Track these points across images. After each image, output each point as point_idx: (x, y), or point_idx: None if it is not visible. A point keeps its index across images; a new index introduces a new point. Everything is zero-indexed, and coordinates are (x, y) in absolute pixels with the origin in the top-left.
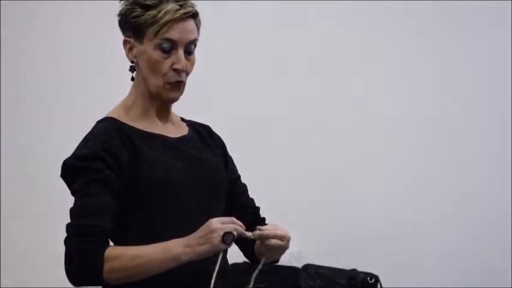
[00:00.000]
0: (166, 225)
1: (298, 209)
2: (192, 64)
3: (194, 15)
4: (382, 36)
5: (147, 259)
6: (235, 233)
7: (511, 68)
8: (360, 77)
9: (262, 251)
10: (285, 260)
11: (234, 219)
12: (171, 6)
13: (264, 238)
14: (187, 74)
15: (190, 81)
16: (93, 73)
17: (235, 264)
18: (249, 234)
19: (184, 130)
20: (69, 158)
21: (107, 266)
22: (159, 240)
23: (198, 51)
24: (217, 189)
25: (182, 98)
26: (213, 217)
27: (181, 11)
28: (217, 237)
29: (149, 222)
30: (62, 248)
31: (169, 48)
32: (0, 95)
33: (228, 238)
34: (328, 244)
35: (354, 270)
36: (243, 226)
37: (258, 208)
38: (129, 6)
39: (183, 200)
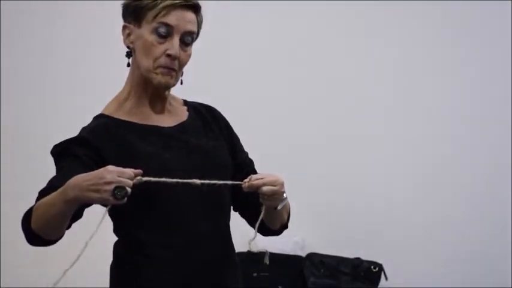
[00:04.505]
0: (168, 216)
1: (302, 199)
2: (187, 56)
3: (195, 8)
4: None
5: (51, 203)
6: (128, 190)
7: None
8: (359, 71)
9: (260, 201)
10: (289, 249)
11: (137, 171)
12: None
13: (254, 188)
14: (181, 64)
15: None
16: (94, 72)
17: (237, 254)
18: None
19: (182, 116)
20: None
21: (32, 217)
22: (163, 230)
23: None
24: (217, 175)
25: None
26: (216, 205)
27: None
28: (108, 190)
29: (151, 215)
30: (62, 248)
31: (165, 33)
32: (0, 94)
33: (119, 194)
34: (332, 233)
35: (358, 258)
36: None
37: None
38: None
39: (180, 192)
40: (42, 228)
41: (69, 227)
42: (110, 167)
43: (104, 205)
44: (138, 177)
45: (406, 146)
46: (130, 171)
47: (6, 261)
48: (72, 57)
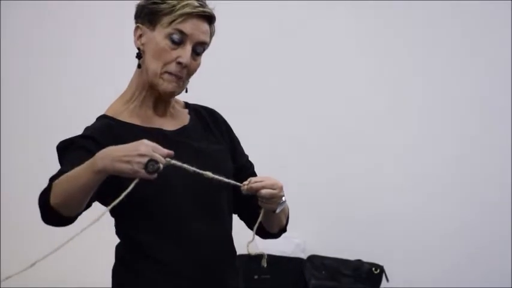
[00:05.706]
0: (168, 217)
1: (303, 201)
2: (197, 65)
3: (210, 20)
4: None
5: (75, 176)
6: (161, 165)
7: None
8: (356, 73)
9: (259, 203)
10: (290, 251)
11: (170, 152)
12: (192, 1)
13: (253, 191)
14: (190, 73)
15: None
16: (95, 72)
17: (238, 256)
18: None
19: (184, 120)
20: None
21: (52, 193)
22: (164, 231)
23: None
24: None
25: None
26: (215, 207)
27: (200, 9)
28: (140, 162)
29: (151, 217)
30: (62, 249)
31: (179, 40)
32: (0, 94)
33: (151, 166)
34: (333, 235)
35: (359, 260)
36: (180, 165)
37: None
38: None
39: (180, 195)
40: (63, 203)
41: (87, 206)
42: (146, 141)
43: (132, 179)
44: (168, 159)
45: (407, 148)
46: (164, 150)
47: (6, 261)
48: (72, 57)
